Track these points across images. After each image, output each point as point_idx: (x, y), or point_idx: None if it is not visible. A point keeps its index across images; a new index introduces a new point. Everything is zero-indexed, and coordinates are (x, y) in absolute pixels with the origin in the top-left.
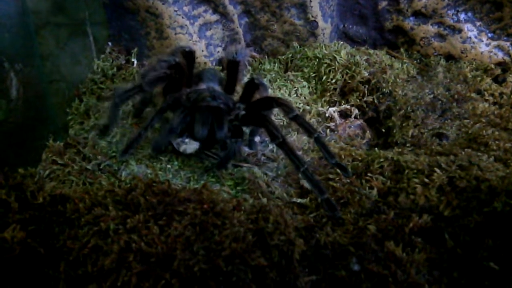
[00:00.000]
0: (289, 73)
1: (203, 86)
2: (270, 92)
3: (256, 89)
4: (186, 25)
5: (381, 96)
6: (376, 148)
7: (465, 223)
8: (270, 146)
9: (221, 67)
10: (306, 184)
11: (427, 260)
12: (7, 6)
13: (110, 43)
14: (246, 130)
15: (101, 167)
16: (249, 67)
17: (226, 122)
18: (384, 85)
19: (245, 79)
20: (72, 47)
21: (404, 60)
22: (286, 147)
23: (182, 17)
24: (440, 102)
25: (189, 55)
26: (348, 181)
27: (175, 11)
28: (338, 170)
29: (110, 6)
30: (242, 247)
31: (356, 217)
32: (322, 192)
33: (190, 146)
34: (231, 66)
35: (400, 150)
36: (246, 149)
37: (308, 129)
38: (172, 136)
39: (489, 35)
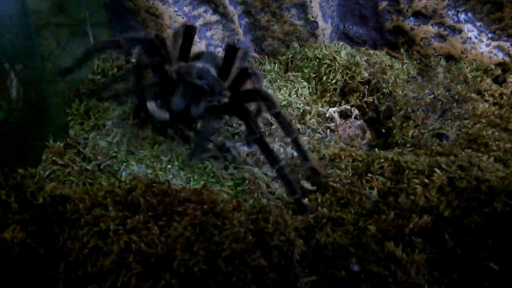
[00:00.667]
0: (289, 73)
1: (199, 64)
2: (263, 85)
3: (247, 78)
4: None
5: (381, 96)
6: (376, 149)
7: (465, 223)
8: (270, 146)
9: None
10: (306, 184)
11: (427, 260)
12: (8, 7)
13: None
14: (242, 127)
15: (101, 168)
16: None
17: (204, 102)
18: (384, 85)
19: None
20: (73, 47)
21: (404, 61)
22: (262, 143)
23: (183, 18)
24: (440, 102)
25: (188, 30)
26: (349, 181)
27: (175, 11)
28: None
29: (111, 7)
30: (242, 247)
31: (356, 217)
32: (293, 192)
33: (161, 113)
34: (228, 52)
35: (400, 150)
36: (245, 148)
37: (287, 129)
38: (149, 91)
39: (489, 35)
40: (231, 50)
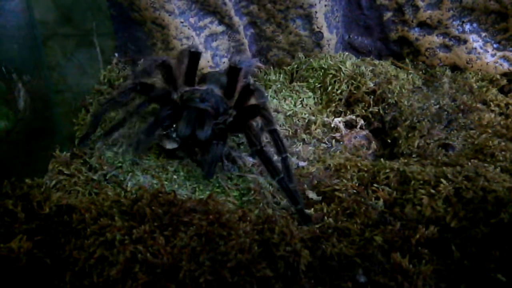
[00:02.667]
0: (294, 83)
1: (204, 87)
2: (267, 99)
3: (250, 94)
4: (192, 36)
5: (386, 106)
6: (382, 159)
7: (472, 234)
8: (275, 156)
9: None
10: (311, 194)
11: (434, 271)
12: (16, 18)
13: (116, 54)
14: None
15: (107, 177)
16: (254, 78)
17: (209, 124)
18: (389, 95)
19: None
20: (79, 57)
21: (410, 71)
22: (263, 155)
23: (188, 28)
24: (446, 112)
25: (193, 55)
26: (355, 191)
27: (181, 22)
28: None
29: (117, 17)
30: (248, 258)
31: (362, 228)
32: (295, 202)
33: (170, 142)
34: (231, 72)
35: (406, 160)
36: (250, 159)
37: (279, 148)
38: (156, 127)
39: (495, 45)
40: (234, 70)
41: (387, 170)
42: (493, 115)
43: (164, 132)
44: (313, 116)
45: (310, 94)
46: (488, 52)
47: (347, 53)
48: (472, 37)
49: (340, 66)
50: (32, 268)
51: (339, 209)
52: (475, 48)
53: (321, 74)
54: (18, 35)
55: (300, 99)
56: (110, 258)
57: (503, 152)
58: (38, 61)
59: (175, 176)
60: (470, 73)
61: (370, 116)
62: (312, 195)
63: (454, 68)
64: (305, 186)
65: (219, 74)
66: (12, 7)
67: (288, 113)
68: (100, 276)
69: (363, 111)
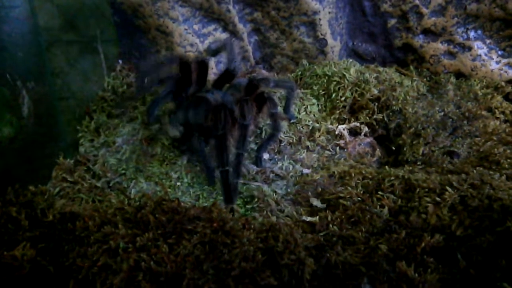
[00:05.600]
0: (298, 90)
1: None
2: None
3: (264, 103)
4: (196, 43)
5: (391, 113)
6: (386, 166)
7: (477, 242)
8: (279, 164)
9: None
10: (315, 202)
11: (440, 280)
12: (20, 26)
13: (120, 61)
14: (254, 146)
15: (110, 185)
16: None
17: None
18: (394, 102)
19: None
20: (83, 64)
21: (414, 78)
22: (220, 142)
23: (192, 35)
24: (450, 120)
25: (201, 64)
26: (359, 199)
27: (185, 29)
28: None
29: (121, 24)
30: (252, 266)
31: (367, 236)
32: (229, 200)
33: (173, 130)
34: (248, 87)
35: (410, 168)
36: (253, 167)
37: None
38: (160, 102)
39: (499, 52)
40: (252, 85)
41: (392, 178)
42: (498, 123)
43: (169, 120)
44: (317, 123)
45: (314, 101)
46: (493, 59)
47: (351, 60)
48: (476, 44)
49: (344, 73)
50: (36, 276)
51: (343, 217)
52: (480, 55)
53: (325, 81)
54: (22, 42)
55: (304, 106)
56: (113, 266)
57: (508, 160)
58: (42, 68)
59: (178, 183)
60: (474, 80)
61: (375, 123)
62: (316, 202)
63: (459, 75)
64: (309, 193)
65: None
66: (17, 14)
67: (292, 121)
68: (104, 284)
69: (368, 118)
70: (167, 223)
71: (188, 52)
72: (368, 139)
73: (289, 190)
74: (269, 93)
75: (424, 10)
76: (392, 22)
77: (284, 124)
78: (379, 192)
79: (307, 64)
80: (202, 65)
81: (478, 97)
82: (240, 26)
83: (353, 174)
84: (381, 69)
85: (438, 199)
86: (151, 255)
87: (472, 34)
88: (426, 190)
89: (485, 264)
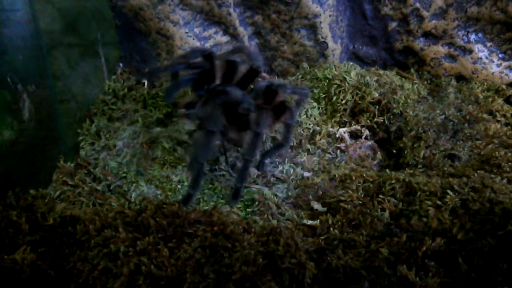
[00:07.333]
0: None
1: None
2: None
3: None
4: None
5: (391, 116)
6: (387, 169)
7: (479, 246)
8: (280, 167)
9: None
10: (316, 205)
11: (441, 284)
12: (21, 29)
13: (121, 64)
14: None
15: (111, 188)
16: None
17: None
18: (394, 105)
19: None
20: (84, 67)
21: (415, 81)
22: (206, 135)
23: (193, 39)
24: (451, 123)
25: (232, 64)
26: (360, 202)
27: (186, 32)
28: None
29: (122, 28)
30: (253, 270)
31: (368, 239)
32: (193, 188)
33: (189, 123)
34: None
35: (411, 171)
36: (254, 171)
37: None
38: (181, 85)
39: (500, 55)
40: (270, 90)
41: (393, 181)
42: (499, 126)
43: (186, 113)
44: (318, 126)
45: (315, 104)
46: (494, 62)
47: (351, 63)
48: (477, 47)
49: (345, 76)
50: (36, 280)
51: (344, 220)
52: (481, 58)
53: (325, 84)
54: (23, 45)
55: (305, 110)
56: (114, 270)
57: (509, 163)
58: (43, 71)
59: (179, 187)
60: (475, 83)
61: (375, 126)
62: (317, 206)
63: (460, 78)
64: (310, 196)
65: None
66: (18, 17)
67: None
68: None
69: (368, 121)
70: (168, 227)
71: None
72: (369, 142)
73: (289, 193)
74: (290, 103)
75: (425, 13)
76: (393, 25)
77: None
78: (380, 196)
79: (308, 67)
80: (231, 65)
81: (479, 100)
82: (240, 29)
83: (354, 177)
84: (381, 72)
85: (439, 202)
86: (151, 259)
87: (472, 37)
88: (427, 193)
89: (487, 268)
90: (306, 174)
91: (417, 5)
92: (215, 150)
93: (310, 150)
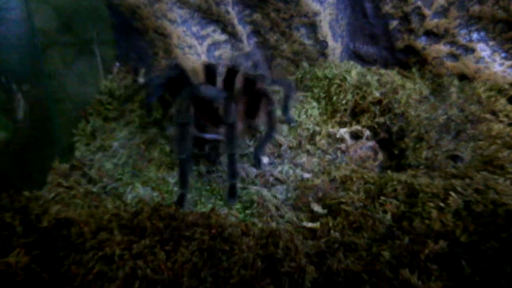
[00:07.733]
0: (298, 93)
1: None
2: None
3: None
4: (194, 45)
5: (393, 117)
6: (388, 171)
7: (482, 249)
8: (279, 168)
9: None
10: (316, 207)
11: None
12: (16, 27)
13: (117, 63)
14: (251, 148)
15: (106, 190)
16: None
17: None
18: (396, 105)
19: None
20: (79, 66)
21: (416, 80)
22: (183, 129)
23: (191, 37)
24: (454, 123)
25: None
26: (361, 204)
27: (184, 31)
28: None
29: (118, 26)
30: (251, 274)
31: (369, 242)
32: (183, 186)
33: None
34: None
35: (413, 172)
36: (253, 170)
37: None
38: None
39: (503, 54)
40: (247, 81)
41: (395, 182)
42: (502, 126)
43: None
44: (318, 126)
45: (315, 104)
46: (496, 61)
47: (352, 62)
48: (479, 46)
49: (345, 75)
50: (30, 283)
51: (345, 222)
52: (483, 57)
53: (325, 83)
54: (18, 44)
55: (304, 110)
56: (109, 274)
57: None
58: (38, 70)
59: (176, 188)
60: (478, 83)
61: (376, 126)
62: (317, 208)
63: (462, 77)
64: (310, 198)
65: None
66: (13, 16)
67: (292, 124)
68: None
69: (369, 121)
70: (164, 230)
71: (187, 54)
72: (370, 143)
73: (289, 195)
74: (265, 89)
75: (427, 12)
76: (394, 23)
77: (284, 128)
78: (382, 197)
79: (308, 67)
80: (211, 70)
81: (481, 100)
82: (239, 27)
83: (354, 179)
84: (383, 71)
85: (441, 204)
86: (147, 262)
87: (475, 36)
88: (430, 195)
89: (490, 271)
90: (306, 175)
91: (419, 3)
92: (190, 142)
93: (310, 151)
